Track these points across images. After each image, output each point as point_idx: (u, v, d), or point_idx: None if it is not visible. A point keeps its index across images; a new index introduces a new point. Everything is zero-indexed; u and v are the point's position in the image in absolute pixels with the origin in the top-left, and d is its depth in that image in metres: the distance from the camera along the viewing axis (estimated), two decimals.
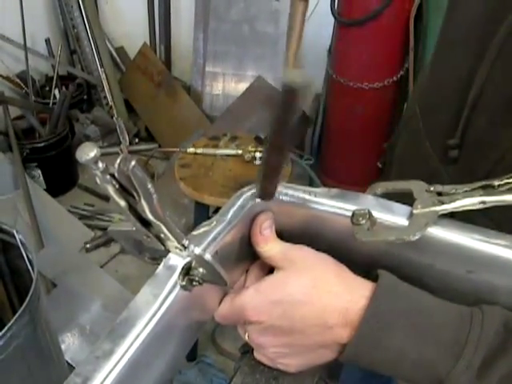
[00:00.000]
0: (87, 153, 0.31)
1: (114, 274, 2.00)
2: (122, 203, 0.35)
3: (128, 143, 2.68)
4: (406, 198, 0.45)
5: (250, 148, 1.51)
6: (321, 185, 1.89)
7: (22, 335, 1.09)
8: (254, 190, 0.46)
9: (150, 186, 0.34)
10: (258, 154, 1.48)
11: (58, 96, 2.56)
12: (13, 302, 1.45)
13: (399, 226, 0.43)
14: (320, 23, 2.12)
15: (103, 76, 2.79)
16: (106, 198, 2.34)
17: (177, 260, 0.42)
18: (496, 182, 0.41)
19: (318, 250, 0.46)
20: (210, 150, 1.54)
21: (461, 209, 0.42)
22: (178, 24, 2.86)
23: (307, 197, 0.46)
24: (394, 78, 2.08)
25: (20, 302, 1.37)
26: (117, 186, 0.34)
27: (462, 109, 0.54)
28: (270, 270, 0.48)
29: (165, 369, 0.44)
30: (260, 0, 2.48)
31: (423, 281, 0.44)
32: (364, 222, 0.43)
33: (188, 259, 0.42)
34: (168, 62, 2.92)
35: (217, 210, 1.48)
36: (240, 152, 1.51)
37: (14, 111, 2.48)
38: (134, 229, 0.39)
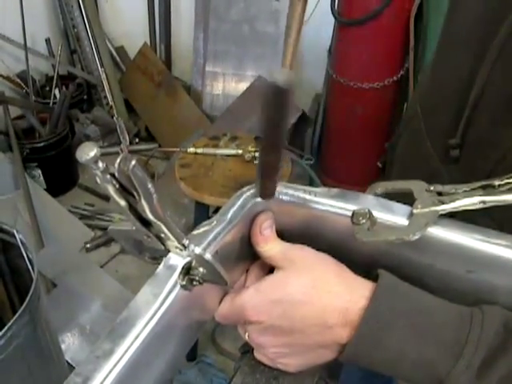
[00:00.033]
0: (87, 152, 0.31)
1: (114, 273, 2.00)
2: (122, 203, 0.35)
3: (128, 143, 2.68)
4: (407, 198, 0.45)
5: (250, 148, 1.51)
6: (321, 185, 1.89)
7: (22, 335, 1.09)
8: (253, 190, 0.46)
9: (150, 185, 0.34)
10: (257, 154, 1.48)
11: (58, 96, 2.56)
12: (13, 301, 1.45)
13: (399, 226, 0.43)
14: (320, 23, 2.12)
15: (103, 76, 2.79)
16: (107, 197, 2.34)
17: (177, 260, 0.42)
18: (496, 182, 0.41)
19: (318, 249, 0.46)
20: (210, 150, 1.54)
21: (461, 209, 0.42)
22: (178, 24, 2.86)
23: (307, 197, 0.46)
24: (394, 78, 2.08)
25: (20, 301, 1.37)
26: (117, 186, 0.34)
27: (462, 109, 0.54)
28: (270, 269, 0.48)
29: (165, 368, 0.44)
30: (260, 0, 2.48)
31: (423, 281, 0.44)
32: (364, 221, 0.43)
33: (188, 259, 0.42)
34: (168, 62, 2.92)
35: (217, 209, 1.48)
36: (240, 152, 1.51)
37: (14, 111, 2.48)
38: (134, 228, 0.39)
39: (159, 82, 2.75)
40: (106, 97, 2.83)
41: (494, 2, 0.52)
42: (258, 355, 0.49)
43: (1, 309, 1.44)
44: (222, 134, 1.63)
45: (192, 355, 1.71)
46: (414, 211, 0.43)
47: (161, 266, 0.42)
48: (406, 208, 0.44)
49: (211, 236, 0.43)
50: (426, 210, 0.43)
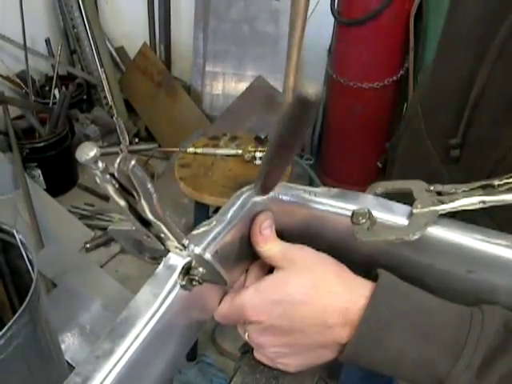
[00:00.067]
0: (87, 152, 0.31)
1: (114, 273, 2.00)
2: (122, 203, 0.35)
3: (128, 143, 2.67)
4: (407, 198, 0.45)
5: (249, 148, 1.51)
6: (321, 184, 1.89)
7: (22, 335, 1.09)
8: (253, 189, 0.46)
9: (149, 185, 0.34)
10: (258, 154, 1.48)
11: (57, 96, 2.56)
12: (13, 301, 1.45)
13: (399, 226, 0.43)
14: (320, 23, 2.12)
15: (103, 76, 2.79)
16: (106, 197, 2.34)
17: (177, 260, 0.42)
18: (496, 182, 0.41)
19: (318, 249, 0.46)
20: (210, 150, 1.54)
21: (460, 208, 0.42)
22: (177, 24, 2.86)
23: (307, 196, 0.46)
24: (394, 78, 2.08)
25: (20, 301, 1.37)
26: (117, 186, 0.34)
27: (463, 108, 0.54)
28: (269, 269, 0.48)
29: (165, 368, 0.44)
30: (260, 0, 2.48)
31: (423, 280, 0.44)
32: (364, 221, 0.43)
33: (188, 259, 0.42)
34: (168, 62, 2.92)
35: (217, 209, 1.48)
36: (240, 152, 1.51)
37: (14, 111, 2.48)
38: (134, 228, 0.39)
39: (159, 82, 2.75)
40: (105, 97, 2.83)
41: (493, 1, 0.52)
42: (257, 355, 0.49)
43: (1, 309, 1.44)
44: (222, 134, 1.63)
45: (192, 355, 1.71)
46: (414, 211, 0.43)
47: (161, 266, 0.42)
48: (405, 208, 0.44)
49: (211, 236, 0.43)
50: (426, 209, 0.43)
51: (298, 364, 0.47)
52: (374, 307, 0.41)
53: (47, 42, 2.76)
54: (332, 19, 2.08)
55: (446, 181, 0.56)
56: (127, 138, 2.60)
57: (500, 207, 0.41)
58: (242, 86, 2.51)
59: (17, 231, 1.25)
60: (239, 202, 0.45)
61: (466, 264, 0.42)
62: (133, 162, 0.32)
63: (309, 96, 0.30)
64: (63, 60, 2.82)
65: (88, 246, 2.13)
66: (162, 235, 0.39)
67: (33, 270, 1.19)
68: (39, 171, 2.39)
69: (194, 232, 0.43)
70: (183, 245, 0.41)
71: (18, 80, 2.65)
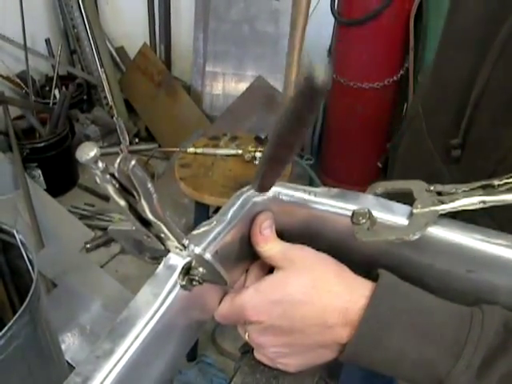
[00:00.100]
0: (87, 152, 0.31)
1: (114, 273, 2.00)
2: (122, 203, 0.35)
3: (128, 143, 2.68)
4: (407, 198, 0.45)
5: (250, 148, 1.51)
6: (321, 184, 1.89)
7: (23, 335, 1.09)
8: (253, 190, 0.46)
9: (150, 185, 0.34)
10: (258, 154, 1.48)
11: (58, 96, 2.57)
12: (13, 301, 1.45)
13: (399, 226, 0.43)
14: (320, 23, 2.12)
15: (103, 76, 2.79)
16: (106, 197, 2.34)
17: (177, 260, 0.42)
18: (496, 182, 0.41)
19: (318, 249, 0.46)
20: (210, 150, 1.54)
21: (461, 208, 0.42)
22: (178, 24, 2.86)
23: (307, 196, 0.46)
24: (394, 78, 2.08)
25: (20, 301, 1.37)
26: (117, 186, 0.34)
27: (464, 108, 0.54)
28: (270, 269, 0.48)
29: (165, 368, 0.44)
30: (260, 0, 2.48)
31: (423, 280, 0.44)
32: (364, 221, 0.43)
33: (188, 259, 0.42)
34: (168, 62, 2.92)
35: (217, 209, 1.48)
36: (240, 152, 1.51)
37: (14, 111, 2.48)
38: (134, 228, 0.39)
39: (159, 82, 2.75)
40: (105, 97, 2.83)
41: (494, 2, 0.52)
42: (257, 355, 0.49)
43: (1, 309, 1.44)
44: (222, 134, 1.63)
45: (192, 355, 1.71)
46: (414, 211, 0.43)
47: (161, 266, 0.42)
48: (405, 208, 0.44)
49: (211, 236, 0.43)
50: (426, 209, 0.43)
51: (298, 364, 0.47)
52: (375, 307, 0.41)
53: (47, 42, 2.76)
54: (332, 19, 2.07)
55: (447, 181, 0.56)
56: (127, 138, 2.61)
57: (500, 207, 0.41)
58: (242, 86, 2.51)
59: (17, 231, 1.25)
60: (239, 202, 0.46)
61: (466, 264, 0.42)
62: (133, 162, 0.32)
63: (318, 80, 0.28)
64: (63, 60, 2.82)
65: (88, 246, 2.13)
66: (162, 235, 0.39)
67: (33, 270, 1.19)
68: (39, 171, 2.39)
69: (194, 232, 0.43)
70: (183, 245, 0.41)
71: (18, 80, 2.65)
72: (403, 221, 0.43)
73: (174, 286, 0.41)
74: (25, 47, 2.51)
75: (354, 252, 0.46)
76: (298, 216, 0.47)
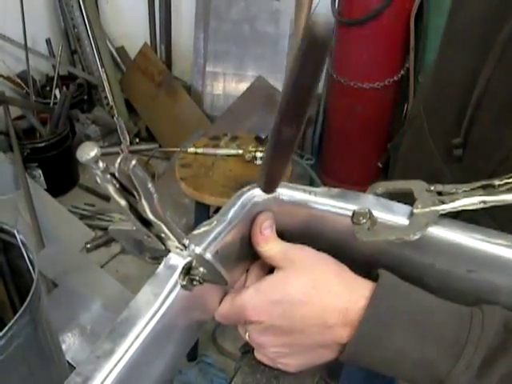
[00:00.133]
0: (88, 152, 0.31)
1: (114, 273, 2.00)
2: (123, 203, 0.35)
3: (128, 143, 2.68)
4: (407, 198, 0.45)
5: (250, 148, 1.51)
6: (321, 184, 1.89)
7: (23, 335, 1.09)
8: (254, 190, 0.46)
9: (150, 185, 0.34)
10: (258, 154, 1.48)
11: (58, 96, 2.57)
12: (13, 301, 1.45)
13: (399, 226, 0.43)
14: None
15: (104, 76, 2.79)
16: (107, 197, 2.34)
17: (177, 260, 0.42)
18: (496, 182, 0.41)
19: (318, 249, 0.46)
20: (211, 150, 1.54)
21: (461, 208, 0.42)
22: (178, 24, 2.86)
23: (308, 196, 0.46)
24: (395, 78, 2.08)
25: (21, 301, 1.37)
26: (117, 186, 0.34)
27: (465, 108, 0.54)
28: (270, 269, 0.48)
29: (165, 368, 0.44)
30: (260, 0, 2.48)
31: (424, 280, 0.44)
32: (364, 221, 0.43)
33: (188, 259, 0.42)
34: (168, 62, 2.92)
35: (217, 209, 1.48)
36: (240, 152, 1.51)
37: (15, 111, 2.48)
38: (135, 228, 0.39)
39: (159, 82, 2.75)
40: (106, 97, 2.83)
41: (495, 1, 0.52)
42: (258, 355, 0.49)
43: (1, 309, 1.44)
44: (223, 134, 1.63)
45: (193, 355, 1.71)
46: (415, 211, 0.43)
47: (161, 266, 0.42)
48: (406, 208, 0.44)
49: (211, 236, 0.43)
50: (427, 209, 0.43)
51: (299, 364, 0.47)
52: (375, 307, 0.41)
53: (48, 42, 2.77)
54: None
55: (448, 181, 0.56)
56: (128, 138, 2.61)
57: (501, 207, 0.41)
58: (243, 86, 2.51)
59: (17, 231, 1.25)
60: (240, 202, 0.45)
61: (467, 264, 0.42)
62: (133, 162, 0.32)
63: (322, 28, 0.27)
64: (64, 60, 2.83)
65: (89, 246, 2.13)
66: (163, 235, 0.39)
67: (33, 270, 1.19)
68: (40, 171, 2.39)
69: (195, 232, 0.43)
70: (184, 245, 0.41)
71: (18, 80, 2.65)
72: (404, 221, 0.43)
73: (174, 286, 0.41)
74: (25, 47, 2.51)
75: (354, 252, 0.46)
76: (299, 216, 0.47)
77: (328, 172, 2.40)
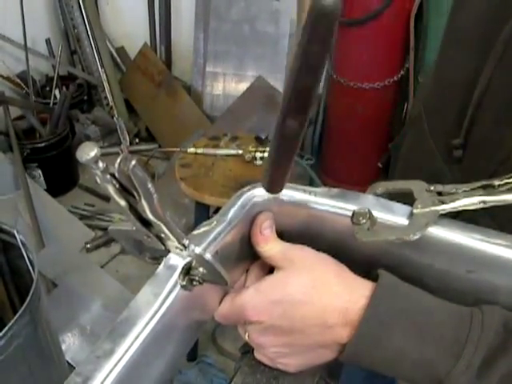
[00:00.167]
0: (87, 152, 0.31)
1: (114, 273, 2.00)
2: (123, 203, 0.35)
3: (128, 143, 2.68)
4: (407, 198, 0.45)
5: (250, 148, 1.51)
6: (321, 184, 1.89)
7: (23, 335, 1.09)
8: (253, 190, 0.46)
9: (150, 185, 0.34)
10: (258, 154, 1.48)
11: (58, 96, 2.57)
12: (13, 301, 1.45)
13: (399, 226, 0.43)
14: None
15: (104, 76, 2.79)
16: (107, 198, 2.34)
17: (177, 260, 0.42)
18: (496, 182, 0.41)
19: (318, 249, 0.46)
20: (211, 150, 1.54)
21: (461, 208, 0.42)
22: (178, 24, 2.86)
23: (307, 197, 0.46)
24: (395, 78, 2.08)
25: (21, 301, 1.37)
26: (117, 186, 0.34)
27: (466, 108, 0.54)
28: (270, 269, 0.48)
29: (165, 368, 0.44)
30: (260, 0, 2.48)
31: (423, 281, 0.44)
32: (364, 221, 0.43)
33: (188, 259, 0.42)
34: (168, 62, 2.92)
35: (217, 210, 1.48)
36: (240, 152, 1.51)
37: (15, 111, 2.48)
38: (135, 229, 0.39)
39: (159, 83, 2.75)
40: (106, 97, 2.83)
41: (496, 0, 0.52)
42: (258, 355, 0.49)
43: (1, 309, 1.44)
44: (223, 134, 1.63)
45: (192, 355, 1.71)
46: (414, 211, 0.43)
47: (161, 266, 0.42)
48: (406, 208, 0.44)
49: (211, 236, 0.43)
50: (426, 209, 0.43)
51: (299, 364, 0.47)
52: (375, 307, 0.41)
53: (48, 42, 2.76)
54: None
55: (449, 181, 0.55)
56: (128, 139, 2.61)
57: (501, 207, 0.41)
58: (243, 87, 2.51)
59: (17, 231, 1.25)
60: (240, 203, 0.45)
61: (466, 264, 0.42)
62: (133, 162, 0.32)
63: (328, 4, 0.25)
64: (64, 60, 2.83)
65: (88, 246, 2.13)
66: (163, 235, 0.39)
67: (33, 270, 1.19)
68: (40, 171, 2.39)
69: (195, 232, 0.43)
70: (184, 245, 0.41)
71: (18, 80, 2.65)
72: (403, 221, 0.43)
73: (174, 286, 0.41)
74: (25, 47, 2.51)
75: (354, 252, 0.46)
76: (298, 216, 0.47)
77: (328, 172, 2.40)
